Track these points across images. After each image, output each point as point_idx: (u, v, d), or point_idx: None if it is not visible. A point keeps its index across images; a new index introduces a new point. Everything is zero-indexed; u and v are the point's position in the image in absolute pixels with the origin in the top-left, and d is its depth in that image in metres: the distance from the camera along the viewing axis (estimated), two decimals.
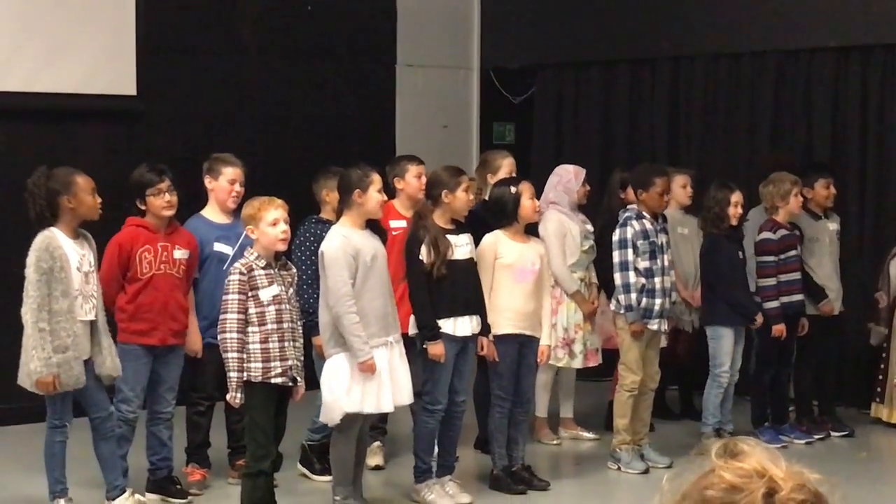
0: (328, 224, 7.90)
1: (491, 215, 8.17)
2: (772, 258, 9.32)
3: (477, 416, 8.91)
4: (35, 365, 6.86)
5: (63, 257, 6.93)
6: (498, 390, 8.04)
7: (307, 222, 8.24)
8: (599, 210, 9.55)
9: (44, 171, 7.08)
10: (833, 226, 9.80)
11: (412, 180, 8.40)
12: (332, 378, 7.18)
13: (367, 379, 7.12)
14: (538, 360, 8.19)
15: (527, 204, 7.98)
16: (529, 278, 8.01)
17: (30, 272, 6.92)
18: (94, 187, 7.14)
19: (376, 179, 7.32)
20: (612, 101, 12.16)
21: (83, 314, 7.01)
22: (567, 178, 9.16)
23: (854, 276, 10.08)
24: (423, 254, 7.60)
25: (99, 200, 7.15)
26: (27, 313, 6.91)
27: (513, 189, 8.05)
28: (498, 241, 7.98)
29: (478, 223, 8.44)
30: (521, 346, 8.04)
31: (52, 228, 6.98)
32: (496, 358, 7.91)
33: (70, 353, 6.93)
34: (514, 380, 8.05)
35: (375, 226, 7.43)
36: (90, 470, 7.47)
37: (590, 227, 9.14)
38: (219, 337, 6.99)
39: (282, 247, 7.04)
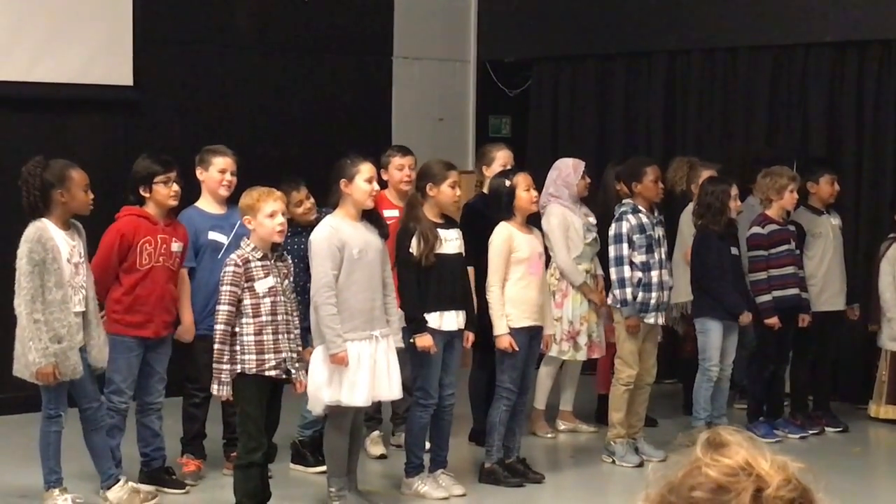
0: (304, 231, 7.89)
1: (489, 208, 8.17)
2: (762, 252, 9.31)
3: (472, 408, 8.91)
4: (34, 356, 6.85)
5: (55, 248, 6.91)
6: (509, 383, 8.00)
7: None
8: (594, 203, 9.55)
9: (40, 161, 7.04)
10: (835, 221, 9.80)
11: (394, 172, 8.45)
12: (314, 368, 7.19)
13: (346, 371, 7.11)
14: (542, 349, 8.24)
15: (523, 195, 7.95)
16: (540, 269, 8.04)
17: (22, 263, 6.89)
18: (87, 183, 7.11)
19: (364, 169, 7.26)
20: (608, 95, 12.15)
21: (73, 305, 6.99)
22: (566, 172, 9.14)
23: (854, 274, 10.06)
24: (413, 245, 7.57)
25: (91, 196, 7.12)
26: (21, 305, 6.89)
27: (507, 182, 8.03)
28: (512, 235, 7.96)
29: (476, 216, 8.44)
30: (531, 338, 8.05)
31: (43, 219, 6.95)
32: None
33: (66, 343, 6.92)
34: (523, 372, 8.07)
35: (376, 218, 7.41)
36: (85, 460, 7.46)
37: (592, 220, 9.14)
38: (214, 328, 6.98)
39: (278, 239, 7.03)
